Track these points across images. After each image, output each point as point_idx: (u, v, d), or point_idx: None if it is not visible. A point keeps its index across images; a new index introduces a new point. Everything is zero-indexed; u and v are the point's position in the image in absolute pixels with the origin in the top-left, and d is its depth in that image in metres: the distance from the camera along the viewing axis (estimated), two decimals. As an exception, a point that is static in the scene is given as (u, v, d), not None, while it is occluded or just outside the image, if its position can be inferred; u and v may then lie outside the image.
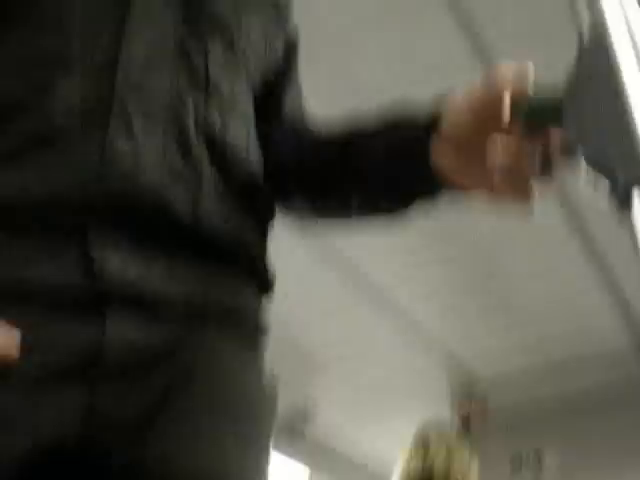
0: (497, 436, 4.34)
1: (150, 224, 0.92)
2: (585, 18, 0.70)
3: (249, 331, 1.04)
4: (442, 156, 0.90)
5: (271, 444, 1.03)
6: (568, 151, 0.73)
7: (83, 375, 0.89)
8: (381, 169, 0.99)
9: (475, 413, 4.43)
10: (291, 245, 3.28)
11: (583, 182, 0.68)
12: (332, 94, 2.73)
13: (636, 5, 0.68)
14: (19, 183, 0.87)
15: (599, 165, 0.66)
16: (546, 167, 0.80)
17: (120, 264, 0.89)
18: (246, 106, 1.04)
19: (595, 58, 0.68)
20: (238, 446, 0.97)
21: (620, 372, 4.19)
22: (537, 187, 0.82)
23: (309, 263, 3.64)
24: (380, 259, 3.70)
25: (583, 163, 0.68)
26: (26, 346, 0.84)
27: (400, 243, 3.48)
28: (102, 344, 0.89)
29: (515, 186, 0.83)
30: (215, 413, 0.95)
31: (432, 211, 0.99)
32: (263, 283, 1.05)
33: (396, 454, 3.37)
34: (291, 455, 4.87)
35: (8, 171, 0.87)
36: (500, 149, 0.83)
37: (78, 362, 0.89)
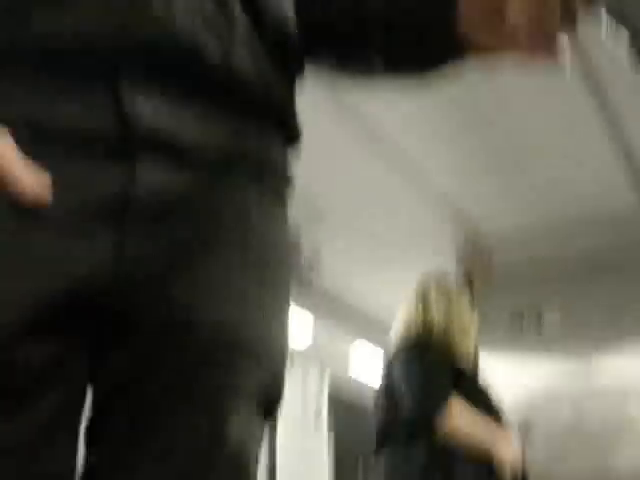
0: (498, 293, 4.41)
1: (182, 71, 0.90)
2: None
3: (277, 183, 1.04)
4: (468, 14, 0.89)
5: (289, 291, 1.04)
6: (590, 1, 0.71)
7: (113, 218, 0.89)
8: (407, 22, 0.98)
9: (479, 268, 4.49)
10: (305, 97, 3.21)
11: (604, 35, 0.66)
12: None
13: None
14: (54, 23, 0.85)
15: (621, 16, 0.64)
16: (569, 19, 0.78)
17: (152, 109, 0.88)
18: None
19: None
20: (264, 298, 0.98)
21: (626, 235, 4.22)
22: (562, 42, 0.79)
23: (322, 116, 3.61)
24: (394, 115, 3.66)
25: (605, 14, 0.66)
26: (57, 188, 0.84)
27: (415, 101, 3.43)
28: (132, 188, 0.89)
29: (541, 41, 0.81)
30: (243, 264, 0.96)
31: (453, 73, 0.98)
32: (290, 135, 1.04)
33: (398, 304, 3.43)
34: (296, 303, 4.97)
35: (44, 11, 0.85)
36: (523, 2, 0.81)
37: (108, 205, 0.89)
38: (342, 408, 5.97)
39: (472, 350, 3.31)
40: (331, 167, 3.95)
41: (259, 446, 0.99)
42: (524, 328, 4.25)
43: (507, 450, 2.96)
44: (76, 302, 0.88)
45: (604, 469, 3.93)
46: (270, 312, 0.99)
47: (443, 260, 4.00)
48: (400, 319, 3.32)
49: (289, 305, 1.04)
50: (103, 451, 0.93)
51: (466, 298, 3.36)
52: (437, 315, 3.21)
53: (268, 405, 1.00)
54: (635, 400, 3.95)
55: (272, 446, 5.24)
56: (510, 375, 4.20)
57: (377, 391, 3.23)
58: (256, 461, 0.97)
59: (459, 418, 2.92)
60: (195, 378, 0.92)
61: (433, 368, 3.06)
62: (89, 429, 0.95)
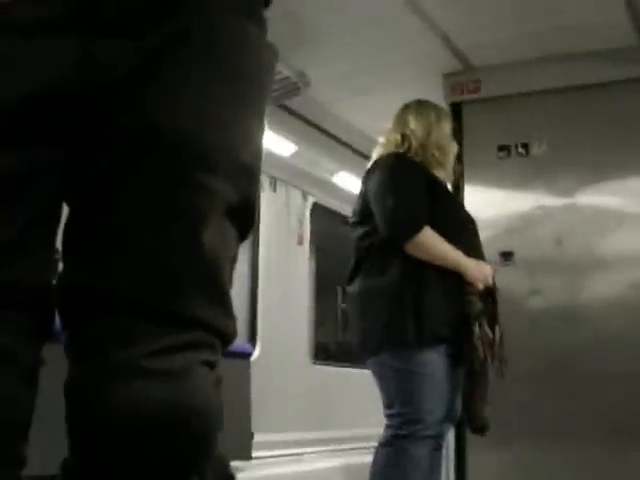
0: (486, 126, 4.37)
1: None
2: None
3: (251, 3, 1.03)
4: None
5: (264, 111, 1.05)
6: None
7: (79, 25, 0.90)
8: None
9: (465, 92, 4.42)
10: None
11: None
12: None
13: None
14: None
15: None
16: None
17: None
18: None
19: None
20: (235, 115, 0.98)
21: (621, 72, 4.14)
22: None
23: None
24: None
25: None
26: None
27: None
28: None
29: None
30: (211, 74, 0.96)
31: None
32: None
33: (382, 132, 3.41)
34: (278, 130, 4.93)
35: None
36: None
37: (74, 11, 0.89)
38: (324, 237, 6.05)
39: (450, 171, 3.32)
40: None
41: (233, 260, 1.01)
42: (511, 161, 4.24)
43: (477, 270, 3.03)
44: (43, 107, 0.89)
45: (576, 304, 4.04)
46: (241, 131, 0.99)
47: (429, 92, 3.90)
48: (380, 141, 3.31)
49: (263, 127, 1.04)
50: (80, 260, 0.94)
51: (448, 124, 3.32)
52: (416, 129, 3.19)
53: (241, 224, 1.01)
54: (610, 239, 4.01)
55: (254, 270, 5.34)
56: (493, 207, 4.24)
57: (353, 213, 3.26)
58: (230, 273, 1.00)
59: (430, 241, 2.96)
60: (166, 191, 0.93)
61: (407, 186, 3.07)
62: (65, 240, 0.96)
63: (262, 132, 1.04)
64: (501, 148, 4.27)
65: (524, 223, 4.21)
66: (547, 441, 3.93)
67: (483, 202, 4.24)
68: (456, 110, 4.38)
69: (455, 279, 2.99)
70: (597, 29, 4.05)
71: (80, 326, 0.94)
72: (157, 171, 0.92)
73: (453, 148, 3.33)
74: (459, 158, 4.00)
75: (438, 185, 3.16)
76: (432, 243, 2.97)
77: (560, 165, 4.17)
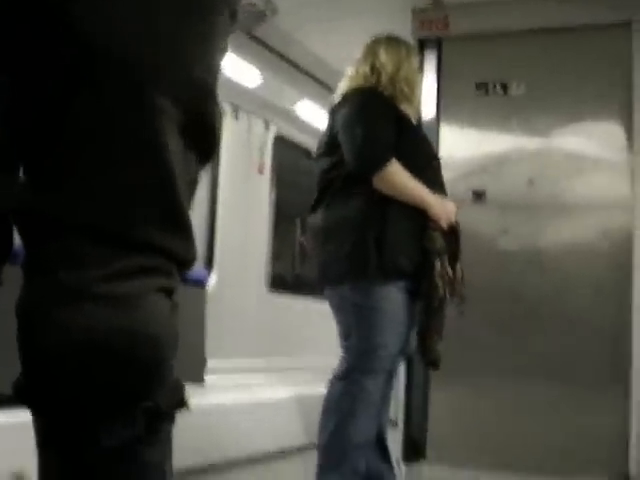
0: (461, 64, 4.33)
1: None
2: None
3: None
4: None
5: (220, 28, 1.00)
6: None
7: None
8: None
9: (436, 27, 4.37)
10: None
11: None
12: None
13: None
14: None
15: None
16: None
17: None
18: None
19: None
20: (173, 20, 0.94)
21: (593, 15, 4.13)
22: None
23: None
24: None
25: None
26: None
27: None
28: None
29: None
30: None
31: None
32: None
33: (347, 64, 3.36)
34: (242, 57, 4.86)
35: None
36: None
37: None
38: (285, 166, 6.03)
39: (418, 107, 3.31)
40: None
41: (192, 183, 0.99)
42: (489, 99, 4.22)
43: (440, 208, 3.05)
44: None
45: (543, 246, 4.08)
46: (192, 44, 0.95)
47: (397, 25, 3.86)
48: (347, 73, 3.26)
49: (219, 40, 1.00)
50: (33, 182, 0.93)
51: (416, 60, 3.30)
52: (386, 63, 3.17)
53: (199, 146, 0.98)
54: (582, 183, 4.04)
55: (213, 196, 5.31)
56: (468, 146, 4.23)
57: (319, 145, 3.24)
58: (189, 196, 0.97)
59: (396, 175, 2.97)
60: (113, 111, 0.90)
61: (376, 119, 3.06)
62: (21, 160, 0.94)
63: (215, 46, 1.00)
64: (479, 86, 4.23)
65: (497, 163, 4.20)
66: (504, 379, 4.01)
67: (459, 139, 4.25)
68: (423, 46, 4.34)
69: (419, 215, 3.01)
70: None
71: (32, 248, 0.92)
72: (100, 92, 0.90)
73: (420, 84, 3.32)
74: (438, 94, 3.99)
75: (405, 120, 3.15)
76: (398, 178, 2.98)
77: (537, 107, 4.16)
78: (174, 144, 0.93)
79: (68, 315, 0.88)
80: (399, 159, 2.99)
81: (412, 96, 3.23)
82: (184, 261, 0.97)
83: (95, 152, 0.90)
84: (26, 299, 0.92)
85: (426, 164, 3.16)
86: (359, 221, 2.99)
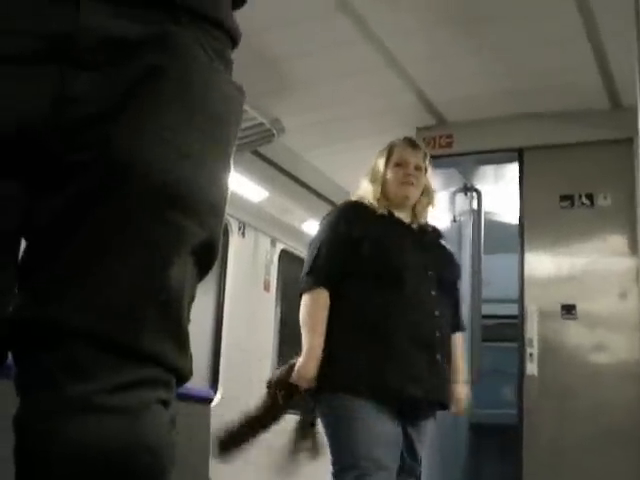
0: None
1: None
2: None
3: (221, 38, 1.04)
4: None
5: (232, 150, 1.05)
6: None
7: (55, 60, 0.90)
8: None
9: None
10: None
11: None
12: None
13: None
14: None
15: None
16: None
17: None
18: None
19: None
20: (206, 154, 0.99)
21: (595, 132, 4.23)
22: None
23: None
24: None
25: None
26: None
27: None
28: (75, 30, 0.91)
29: None
30: (182, 110, 0.97)
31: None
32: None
33: (353, 184, 3.37)
34: (250, 176, 4.94)
35: None
36: None
37: (50, 46, 0.90)
38: (291, 284, 6.03)
39: (408, 206, 3.05)
40: (300, 36, 3.82)
41: (192, 298, 1.01)
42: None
43: (300, 368, 2.82)
44: (13, 144, 0.89)
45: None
46: (210, 170, 1.00)
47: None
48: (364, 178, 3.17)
49: (229, 167, 1.04)
50: (35, 292, 0.93)
51: (381, 159, 3.10)
52: (367, 177, 3.08)
53: (202, 263, 1.01)
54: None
55: (219, 315, 5.30)
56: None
57: None
58: (188, 312, 0.99)
59: (309, 306, 2.86)
60: (131, 225, 0.92)
61: (332, 242, 2.92)
62: (21, 273, 0.95)
63: (229, 172, 1.04)
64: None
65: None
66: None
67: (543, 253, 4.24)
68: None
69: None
70: (570, 90, 4.14)
71: (32, 359, 0.91)
72: (123, 205, 0.92)
73: (391, 180, 3.03)
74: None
75: (382, 228, 2.95)
76: (308, 309, 2.86)
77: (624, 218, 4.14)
78: (183, 261, 0.96)
79: (72, 428, 0.87)
80: (359, 270, 2.85)
81: (391, 198, 3.00)
82: (183, 374, 0.98)
83: (106, 262, 0.91)
84: (27, 411, 0.91)
85: (399, 274, 2.85)
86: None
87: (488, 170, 5.17)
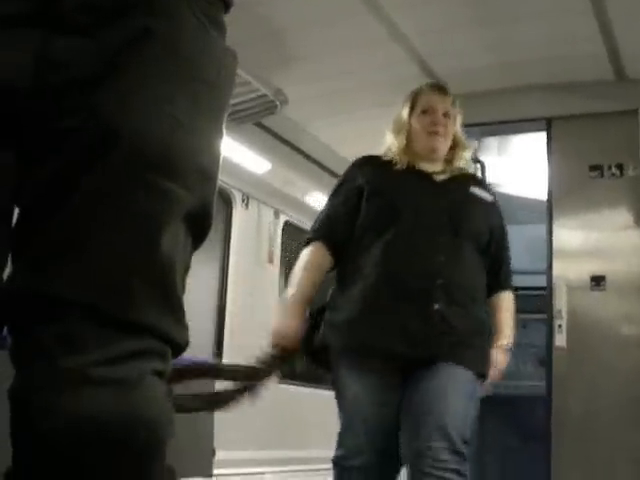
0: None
1: None
2: None
3: (215, 2, 1.03)
4: None
5: (224, 116, 1.03)
6: None
7: (39, 23, 0.89)
8: None
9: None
10: None
11: None
12: None
13: None
14: None
15: None
16: None
17: None
18: None
19: None
20: (196, 121, 0.97)
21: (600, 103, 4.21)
22: None
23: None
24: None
25: None
26: None
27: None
28: None
29: None
30: (171, 74, 0.95)
31: None
32: None
33: (356, 156, 3.34)
34: (253, 147, 4.92)
35: None
36: None
37: (34, 9, 0.89)
38: (295, 255, 6.03)
39: (433, 156, 2.79)
40: (303, 7, 3.79)
41: (186, 267, 0.99)
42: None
43: (277, 326, 2.69)
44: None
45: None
46: (201, 135, 0.98)
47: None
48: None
49: (222, 133, 1.03)
50: (29, 262, 0.92)
51: (405, 108, 2.87)
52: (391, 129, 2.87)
53: (196, 231, 1.00)
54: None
55: (223, 286, 5.30)
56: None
57: None
58: (183, 281, 0.98)
59: (301, 259, 2.73)
60: (123, 193, 0.91)
61: (335, 195, 2.81)
62: (14, 242, 0.94)
63: (221, 137, 1.02)
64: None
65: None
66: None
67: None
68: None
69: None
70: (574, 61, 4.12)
71: (27, 331, 0.91)
72: (113, 173, 0.90)
73: (417, 129, 2.79)
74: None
75: (388, 174, 2.74)
76: (297, 264, 2.73)
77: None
78: (176, 229, 0.94)
79: (67, 400, 0.87)
80: (358, 228, 2.68)
81: (416, 148, 2.77)
82: (178, 345, 0.97)
83: (98, 233, 0.90)
84: (22, 384, 0.90)
85: (398, 213, 2.64)
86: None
87: (492, 142, 5.15)
